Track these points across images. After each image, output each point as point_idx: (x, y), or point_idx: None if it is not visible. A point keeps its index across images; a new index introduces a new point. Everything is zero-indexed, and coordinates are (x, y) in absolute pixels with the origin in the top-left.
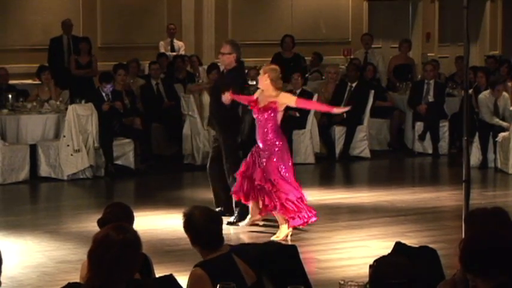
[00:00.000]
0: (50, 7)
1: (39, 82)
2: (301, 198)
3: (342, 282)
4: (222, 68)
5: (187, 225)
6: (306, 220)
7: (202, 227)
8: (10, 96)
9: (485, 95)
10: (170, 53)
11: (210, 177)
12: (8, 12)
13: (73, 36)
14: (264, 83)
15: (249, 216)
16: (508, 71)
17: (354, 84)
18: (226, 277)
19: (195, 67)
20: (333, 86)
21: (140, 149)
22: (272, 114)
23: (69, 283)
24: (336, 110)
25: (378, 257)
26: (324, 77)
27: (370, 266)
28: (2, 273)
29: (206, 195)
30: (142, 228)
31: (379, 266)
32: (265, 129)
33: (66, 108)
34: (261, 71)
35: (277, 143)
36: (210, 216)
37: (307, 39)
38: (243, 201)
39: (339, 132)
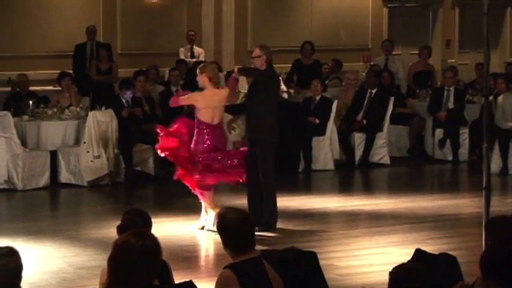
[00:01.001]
0: (70, 14)
1: (60, 88)
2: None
3: None
4: None
5: (219, 226)
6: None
7: (233, 228)
8: (31, 102)
9: (503, 97)
10: (190, 60)
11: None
12: (28, 19)
13: (97, 43)
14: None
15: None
16: None
17: (373, 91)
18: (255, 281)
19: None
20: (352, 92)
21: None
22: None
23: None
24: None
25: (398, 264)
26: (343, 84)
27: (390, 273)
28: (22, 279)
29: (225, 201)
30: (161, 234)
31: (397, 273)
32: None
33: (87, 115)
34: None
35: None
36: (242, 218)
37: (326, 45)
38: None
39: (358, 138)
